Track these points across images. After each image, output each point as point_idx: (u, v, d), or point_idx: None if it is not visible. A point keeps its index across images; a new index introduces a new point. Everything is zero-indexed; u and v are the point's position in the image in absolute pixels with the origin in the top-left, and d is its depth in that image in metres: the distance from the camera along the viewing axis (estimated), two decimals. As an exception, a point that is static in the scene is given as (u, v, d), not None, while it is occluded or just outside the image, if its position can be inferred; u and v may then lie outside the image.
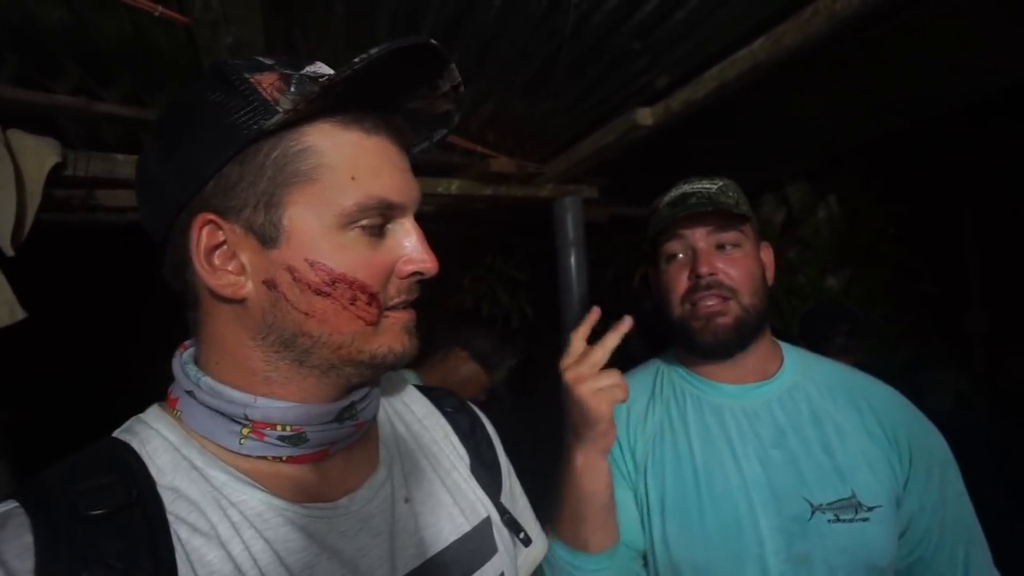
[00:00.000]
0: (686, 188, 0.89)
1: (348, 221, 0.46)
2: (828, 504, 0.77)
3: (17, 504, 0.40)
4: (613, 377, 0.71)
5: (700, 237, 0.85)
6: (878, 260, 3.05)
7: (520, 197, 2.20)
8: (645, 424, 0.90)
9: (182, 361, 0.51)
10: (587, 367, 0.72)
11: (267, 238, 0.46)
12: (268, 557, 0.44)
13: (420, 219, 0.53)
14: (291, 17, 1.17)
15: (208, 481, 0.46)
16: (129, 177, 1.42)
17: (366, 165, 0.47)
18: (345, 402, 0.50)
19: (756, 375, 0.87)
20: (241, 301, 0.47)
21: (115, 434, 0.48)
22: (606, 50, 1.43)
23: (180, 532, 0.42)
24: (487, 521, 0.60)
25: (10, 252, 1.15)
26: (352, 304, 0.47)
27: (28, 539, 0.38)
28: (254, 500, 0.46)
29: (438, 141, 0.56)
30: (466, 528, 0.57)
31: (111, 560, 0.39)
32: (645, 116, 1.64)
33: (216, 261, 0.46)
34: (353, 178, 0.46)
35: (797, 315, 2.79)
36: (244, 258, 0.46)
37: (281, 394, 0.48)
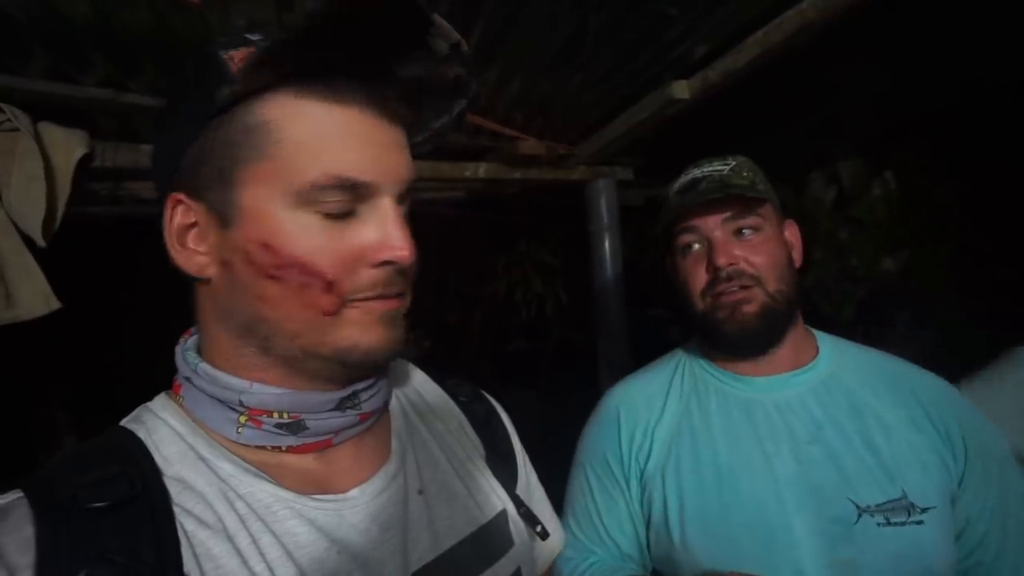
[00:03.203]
0: (696, 173, 0.83)
1: (303, 201, 0.43)
2: (876, 506, 0.71)
3: (22, 495, 0.40)
4: None
5: (715, 225, 0.79)
6: (941, 241, 2.82)
7: (551, 180, 2.13)
8: (661, 423, 0.85)
9: (184, 347, 0.50)
10: None
11: (225, 218, 0.44)
12: (276, 551, 0.43)
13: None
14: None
15: (214, 472, 0.45)
16: (156, 167, 1.44)
17: (327, 140, 0.44)
18: (346, 391, 0.49)
19: (788, 365, 0.82)
20: (208, 282, 0.47)
21: (123, 423, 0.48)
22: (638, 17, 1.34)
23: (186, 524, 0.41)
24: (503, 513, 0.58)
25: (42, 243, 1.18)
26: (303, 290, 0.44)
27: (29, 532, 0.38)
28: (261, 492, 0.45)
29: (459, 114, 0.52)
30: (482, 520, 0.55)
31: (113, 554, 0.38)
32: (682, 89, 1.54)
33: (189, 242, 0.46)
34: (311, 155, 0.43)
35: (850, 299, 2.62)
36: (211, 238, 0.46)
37: (270, 380, 0.47)
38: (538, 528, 0.61)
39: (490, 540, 0.55)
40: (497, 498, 0.59)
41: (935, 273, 2.78)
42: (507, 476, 0.62)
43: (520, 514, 0.60)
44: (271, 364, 0.47)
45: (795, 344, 0.82)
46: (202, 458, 0.45)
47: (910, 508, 0.70)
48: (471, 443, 0.61)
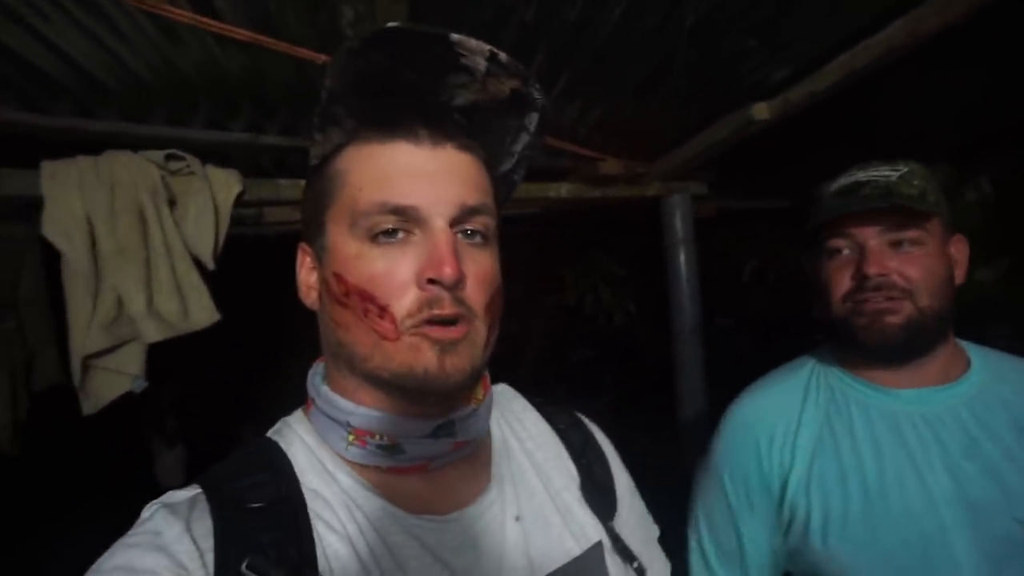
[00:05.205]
0: (860, 175, 0.79)
1: (358, 230, 0.47)
2: None
3: (200, 491, 0.47)
4: None
5: (871, 235, 0.76)
6: (1044, 249, 2.65)
7: (627, 197, 2.22)
8: (799, 435, 0.82)
9: (314, 372, 0.55)
10: None
11: (319, 256, 0.52)
12: (389, 562, 0.47)
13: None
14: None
15: (337, 484, 0.50)
16: (291, 198, 1.66)
17: (378, 175, 0.48)
18: (442, 420, 0.51)
19: (935, 380, 0.78)
20: (316, 313, 0.54)
21: (268, 434, 0.54)
22: (720, 49, 1.42)
23: (318, 527, 0.46)
24: (598, 546, 0.57)
25: (211, 266, 1.41)
26: (365, 316, 0.47)
27: (209, 523, 0.44)
28: (374, 506, 0.49)
29: (537, 130, 0.53)
30: (576, 552, 0.55)
31: (266, 548, 0.43)
32: (762, 111, 1.58)
33: (309, 279, 0.54)
34: (361, 188, 0.48)
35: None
36: (315, 275, 0.53)
37: (369, 403, 0.50)
38: (635, 564, 0.59)
39: (584, 573, 0.55)
40: (592, 529, 0.58)
41: (1037, 283, 2.62)
42: (604, 507, 0.61)
43: (615, 548, 0.58)
44: (360, 384, 0.50)
45: (944, 360, 0.79)
46: (327, 471, 0.50)
47: None
48: (567, 472, 0.61)
